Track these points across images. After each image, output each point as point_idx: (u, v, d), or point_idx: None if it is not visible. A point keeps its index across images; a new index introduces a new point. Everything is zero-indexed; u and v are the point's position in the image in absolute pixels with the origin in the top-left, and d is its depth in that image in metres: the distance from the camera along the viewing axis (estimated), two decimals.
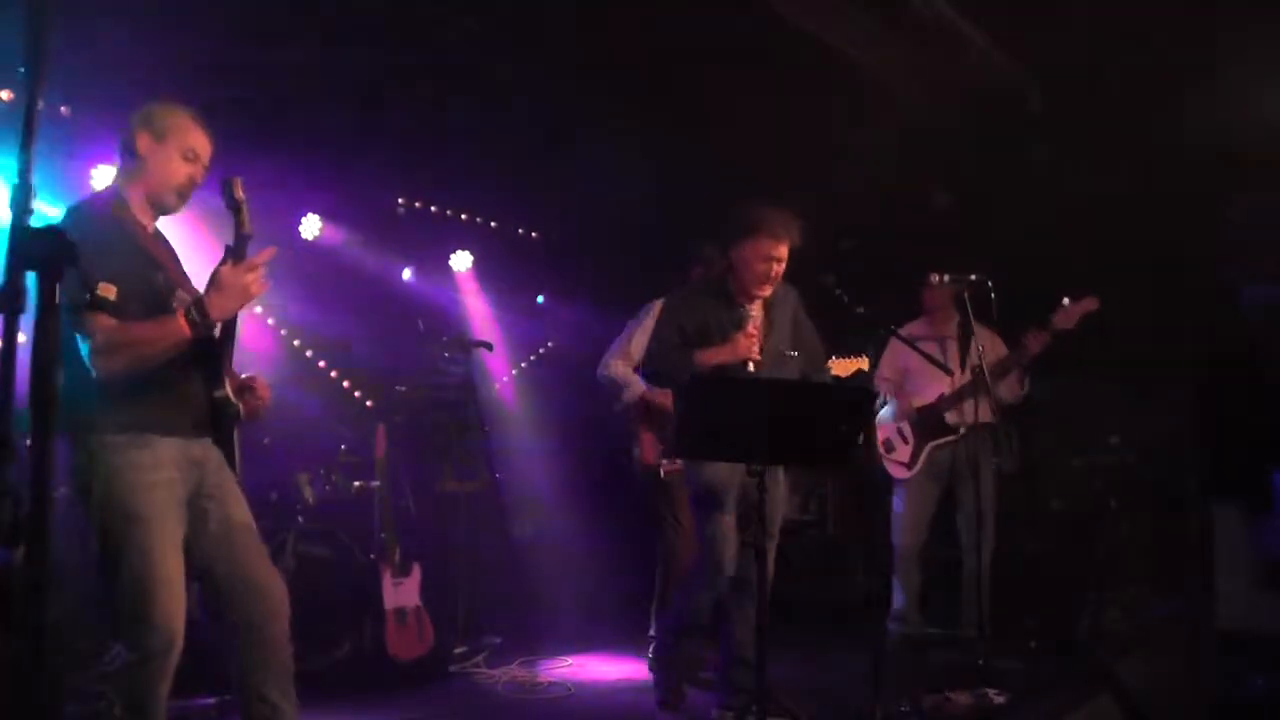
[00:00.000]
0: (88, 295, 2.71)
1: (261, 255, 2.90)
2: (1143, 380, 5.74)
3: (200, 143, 3.08)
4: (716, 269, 4.48)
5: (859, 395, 4.12)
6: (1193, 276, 5.69)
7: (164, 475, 2.84)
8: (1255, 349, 5.68)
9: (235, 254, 2.91)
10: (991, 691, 4.44)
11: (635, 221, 7.00)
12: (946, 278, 5.11)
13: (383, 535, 5.19)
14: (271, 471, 5.10)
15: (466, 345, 6.09)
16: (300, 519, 5.06)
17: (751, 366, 4.15)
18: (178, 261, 3.12)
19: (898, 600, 5.74)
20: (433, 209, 6.73)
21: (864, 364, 4.53)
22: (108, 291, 2.75)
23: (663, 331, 4.31)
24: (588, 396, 7.48)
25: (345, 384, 6.29)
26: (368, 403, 6.26)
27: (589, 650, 5.83)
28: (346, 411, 6.07)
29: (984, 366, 4.90)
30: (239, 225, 2.95)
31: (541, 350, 7.74)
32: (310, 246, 5.99)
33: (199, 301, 2.83)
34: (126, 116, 3.04)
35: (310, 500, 5.18)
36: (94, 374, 2.75)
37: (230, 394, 3.00)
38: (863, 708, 4.30)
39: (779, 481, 4.35)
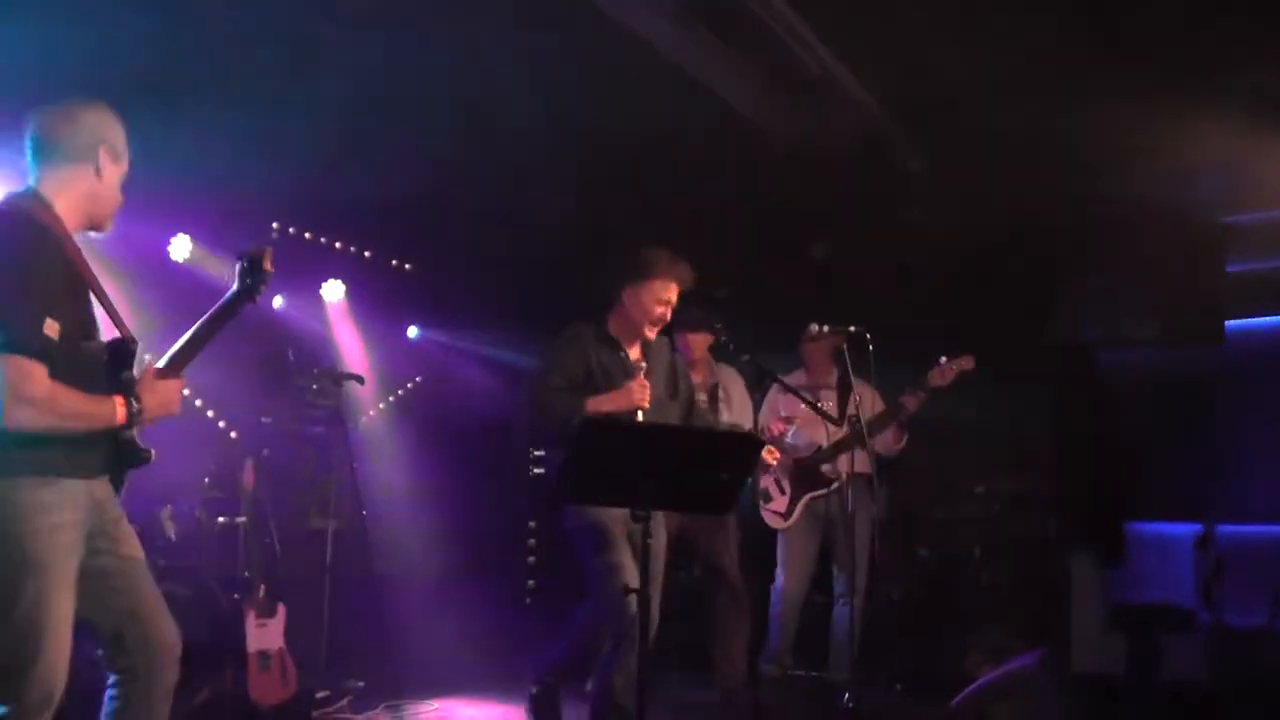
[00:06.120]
0: (30, 334, 2.52)
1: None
2: (1007, 434, 5.98)
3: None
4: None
5: (745, 442, 4.17)
6: (1055, 338, 5.96)
7: (68, 516, 2.65)
8: (1110, 409, 5.99)
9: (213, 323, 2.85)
10: None
11: (509, 256, 6.98)
12: (825, 328, 5.22)
13: (247, 574, 5.00)
14: (131, 504, 4.80)
15: (337, 378, 5.93)
16: (161, 556, 4.83)
17: (640, 415, 4.16)
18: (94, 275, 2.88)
19: (774, 641, 5.80)
20: (307, 235, 6.56)
21: None
22: (51, 331, 2.55)
23: (550, 379, 4.26)
24: (455, 431, 7.42)
25: (210, 414, 6.04)
26: (233, 434, 6.03)
27: (454, 693, 5.71)
28: (212, 443, 5.82)
29: (861, 419, 5.02)
30: (240, 297, 2.86)
31: (410, 384, 7.60)
32: (179, 269, 5.75)
33: (138, 395, 2.73)
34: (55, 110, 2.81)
35: (172, 536, 4.95)
36: (1, 420, 2.52)
37: (138, 437, 2.84)
38: None
39: (661, 525, 4.34)
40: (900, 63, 5.02)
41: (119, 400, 2.70)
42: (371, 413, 7.29)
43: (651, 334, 4.30)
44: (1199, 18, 4.38)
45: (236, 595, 4.95)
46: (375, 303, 7.04)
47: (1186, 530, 5.59)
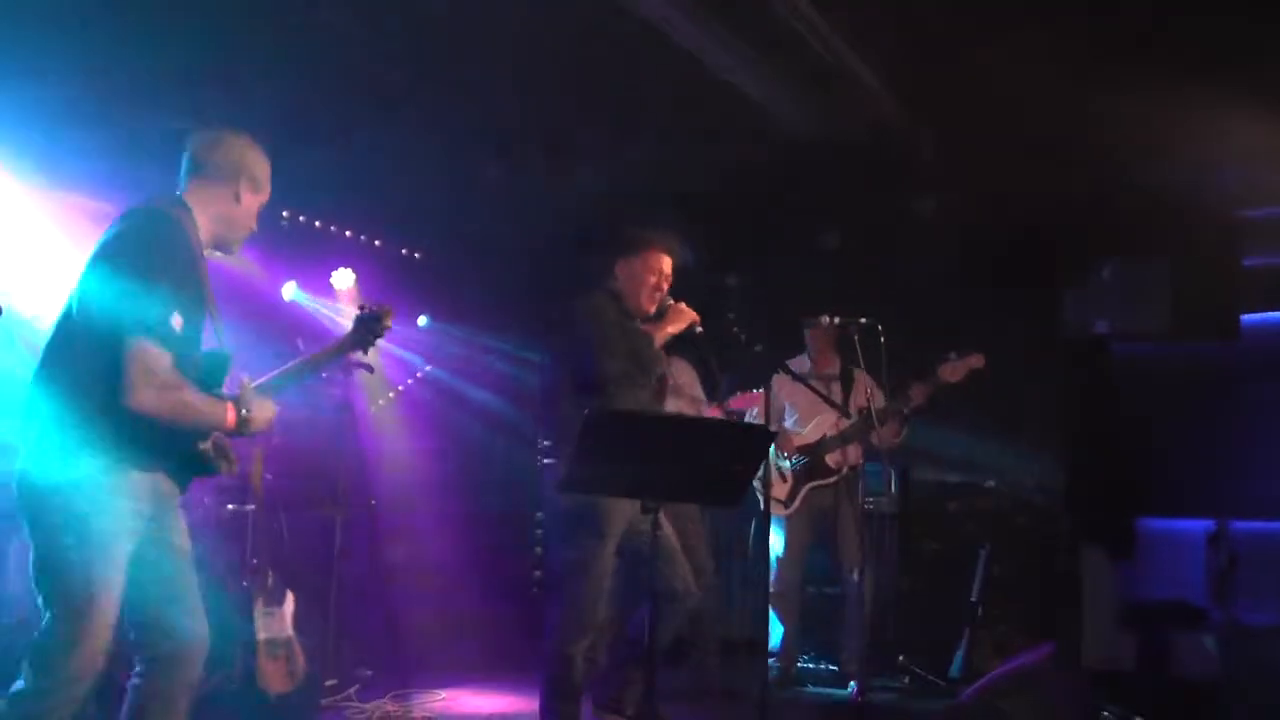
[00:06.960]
0: (162, 321, 2.65)
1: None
2: (1018, 428, 5.94)
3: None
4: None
5: (757, 434, 4.15)
6: (1067, 331, 5.92)
7: (133, 504, 2.74)
8: (1122, 403, 5.94)
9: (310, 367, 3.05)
10: None
11: (520, 246, 6.96)
12: (837, 319, 5.18)
13: (256, 561, 4.99)
14: None
15: (346, 366, 5.90)
16: None
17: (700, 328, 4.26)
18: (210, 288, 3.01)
19: (776, 637, 5.79)
20: (317, 224, 6.54)
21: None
22: (177, 324, 2.69)
23: (608, 334, 4.14)
24: (464, 420, 7.41)
25: None
26: None
27: (462, 683, 5.72)
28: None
29: (873, 410, 5.00)
30: (352, 344, 3.07)
31: (419, 373, 7.59)
32: None
33: (248, 406, 2.84)
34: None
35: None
36: (123, 401, 2.62)
37: (212, 448, 2.93)
38: None
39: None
40: (914, 53, 4.99)
41: (230, 406, 2.81)
42: (380, 401, 7.27)
43: (650, 307, 4.28)
44: (1217, 9, 4.34)
45: (245, 583, 4.95)
46: (385, 291, 7.00)
47: (1199, 526, 5.54)
